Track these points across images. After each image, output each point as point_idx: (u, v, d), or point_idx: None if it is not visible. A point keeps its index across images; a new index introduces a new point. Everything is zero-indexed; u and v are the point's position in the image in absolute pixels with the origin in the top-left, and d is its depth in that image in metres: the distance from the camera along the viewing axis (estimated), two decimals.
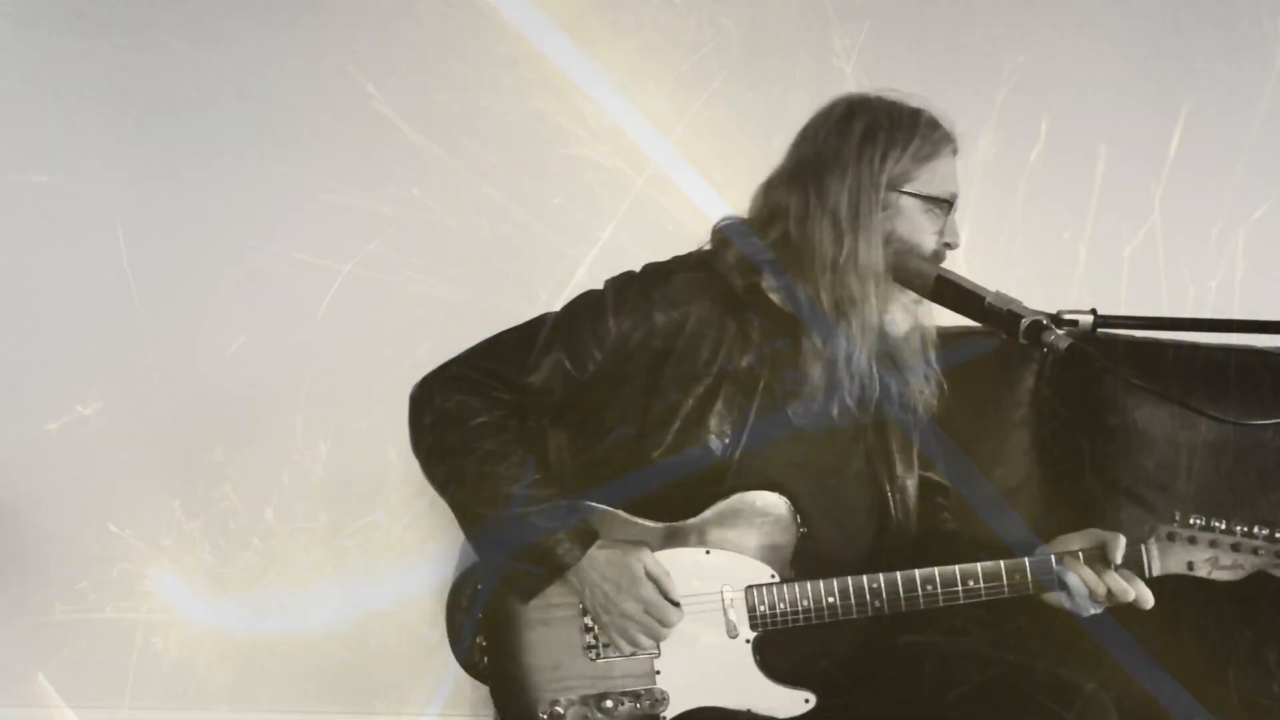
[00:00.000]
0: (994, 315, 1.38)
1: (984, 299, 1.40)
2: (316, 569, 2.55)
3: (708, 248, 1.67)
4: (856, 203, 1.56)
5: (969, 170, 2.40)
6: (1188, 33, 2.46)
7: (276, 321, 2.48)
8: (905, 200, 1.57)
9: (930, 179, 1.57)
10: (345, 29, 2.41)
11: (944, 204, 1.57)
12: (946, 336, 1.98)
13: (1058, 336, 1.31)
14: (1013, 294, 1.40)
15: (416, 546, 2.52)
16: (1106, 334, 1.49)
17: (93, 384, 2.49)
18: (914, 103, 1.61)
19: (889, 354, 1.63)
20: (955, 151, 1.62)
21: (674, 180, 2.37)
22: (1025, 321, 1.34)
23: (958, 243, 1.59)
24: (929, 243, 1.57)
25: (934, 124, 1.60)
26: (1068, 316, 1.36)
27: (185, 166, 2.44)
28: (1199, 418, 1.96)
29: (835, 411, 1.58)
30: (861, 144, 1.58)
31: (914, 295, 1.57)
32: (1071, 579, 1.48)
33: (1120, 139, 2.48)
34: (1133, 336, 2.15)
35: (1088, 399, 2.27)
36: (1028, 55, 2.46)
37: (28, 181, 2.45)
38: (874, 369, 1.58)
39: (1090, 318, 1.36)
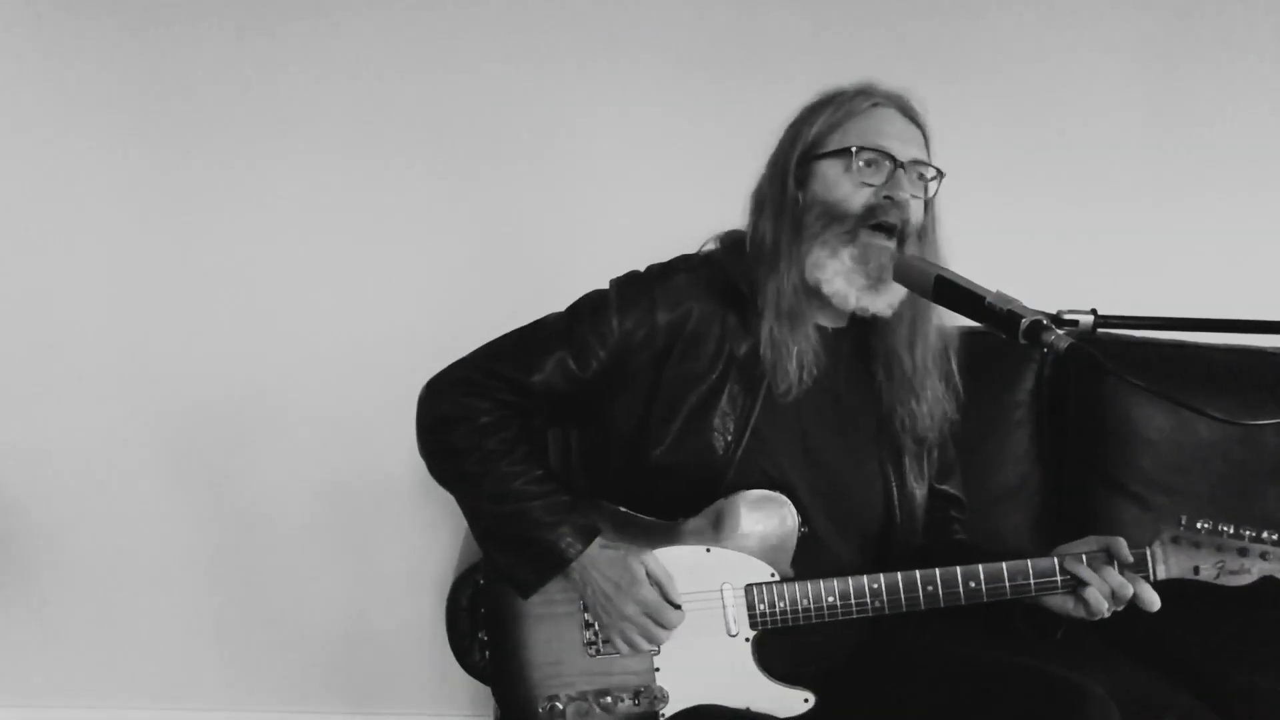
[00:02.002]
0: (994, 315, 1.38)
1: (984, 299, 1.40)
2: (317, 569, 2.55)
3: (713, 247, 1.68)
4: (774, 188, 1.62)
5: (969, 170, 2.42)
6: (1190, 31, 2.47)
7: (279, 322, 2.48)
8: (820, 164, 1.59)
9: (844, 138, 1.59)
10: (345, 30, 2.42)
11: (846, 153, 1.56)
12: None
13: (1058, 336, 1.31)
14: (1012, 294, 1.40)
15: (417, 546, 2.52)
16: (1106, 334, 1.48)
17: (94, 384, 2.49)
18: (857, 84, 1.63)
19: (906, 373, 1.64)
20: (892, 106, 1.61)
21: (685, 181, 2.38)
22: (1025, 321, 1.34)
23: (901, 196, 1.56)
24: (856, 197, 1.56)
25: (859, 92, 1.62)
26: (1068, 316, 1.36)
27: (186, 167, 2.44)
28: (1199, 418, 1.96)
29: (785, 392, 1.58)
30: (788, 135, 1.64)
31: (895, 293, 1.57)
32: (1081, 572, 1.48)
33: (1121, 138, 2.49)
34: (1133, 336, 2.15)
35: (1088, 399, 2.27)
36: (1028, 52, 2.47)
37: (30, 182, 2.46)
38: (809, 350, 1.59)
39: (1090, 318, 1.36)
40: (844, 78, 1.65)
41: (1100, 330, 1.37)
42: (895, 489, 1.65)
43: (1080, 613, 1.49)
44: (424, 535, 2.51)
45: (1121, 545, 1.47)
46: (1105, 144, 2.48)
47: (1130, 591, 1.46)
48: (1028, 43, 2.46)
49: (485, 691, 1.64)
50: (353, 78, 2.42)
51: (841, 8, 2.43)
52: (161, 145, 2.44)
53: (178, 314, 2.48)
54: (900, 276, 1.55)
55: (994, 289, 1.41)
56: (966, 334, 1.72)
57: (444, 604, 1.80)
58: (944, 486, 1.75)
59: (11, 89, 2.43)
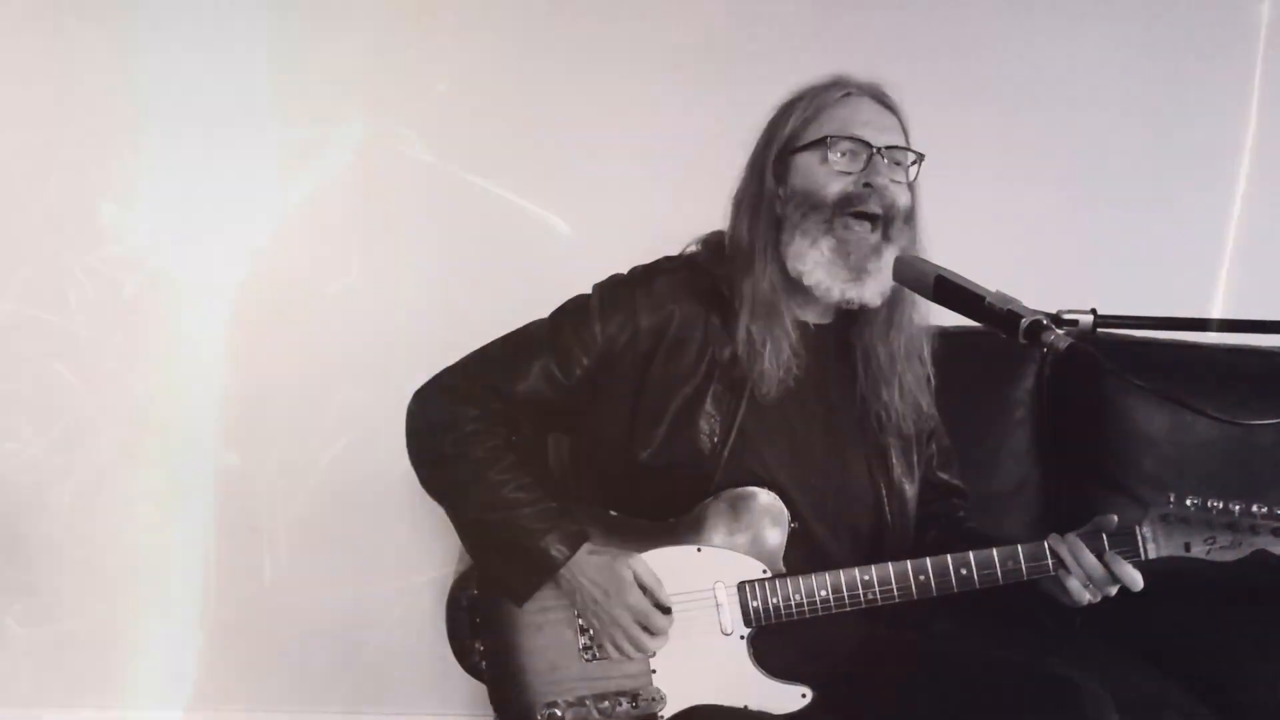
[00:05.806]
0: (994, 315, 1.38)
1: (984, 299, 1.40)
2: (317, 569, 2.55)
3: (695, 249, 1.68)
4: (752, 186, 1.63)
5: (969, 170, 2.43)
6: (1190, 30, 2.47)
7: (280, 324, 2.48)
8: (797, 158, 1.60)
9: (819, 129, 1.59)
10: (344, 31, 2.42)
11: (821, 144, 1.56)
12: (946, 336, 1.99)
13: (1058, 336, 1.31)
14: (1012, 294, 1.40)
15: (417, 546, 2.52)
16: (1106, 334, 1.48)
17: (95, 385, 2.49)
18: (829, 77, 1.63)
19: (882, 365, 1.64)
20: (865, 94, 1.61)
21: (682, 183, 2.38)
22: (1025, 321, 1.34)
23: (879, 182, 1.55)
24: (834, 185, 1.56)
25: (831, 85, 1.62)
26: (1068, 316, 1.36)
27: (185, 168, 2.44)
28: (1198, 418, 1.96)
29: (768, 391, 1.58)
30: (764, 134, 1.65)
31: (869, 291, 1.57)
32: (1065, 557, 1.48)
33: (1121, 137, 2.49)
34: (1133, 336, 2.15)
35: (1088, 399, 2.27)
36: (1028, 52, 2.47)
37: (31, 182, 2.45)
38: (788, 346, 1.58)
39: (1090, 318, 1.36)
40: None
41: (1100, 330, 1.37)
42: (883, 486, 1.65)
43: (1066, 599, 1.50)
44: (424, 535, 2.50)
45: (1109, 518, 1.48)
46: (1105, 143, 2.48)
47: (1101, 571, 1.46)
48: (1027, 41, 2.46)
49: (485, 691, 1.64)
50: (351, 79, 2.42)
51: (839, 7, 2.43)
52: (160, 146, 2.43)
53: (178, 314, 2.47)
54: (900, 276, 1.55)
55: (994, 289, 1.41)
56: (966, 333, 1.73)
57: (444, 604, 1.80)
58: (944, 476, 1.75)
59: (12, 88, 2.43)
